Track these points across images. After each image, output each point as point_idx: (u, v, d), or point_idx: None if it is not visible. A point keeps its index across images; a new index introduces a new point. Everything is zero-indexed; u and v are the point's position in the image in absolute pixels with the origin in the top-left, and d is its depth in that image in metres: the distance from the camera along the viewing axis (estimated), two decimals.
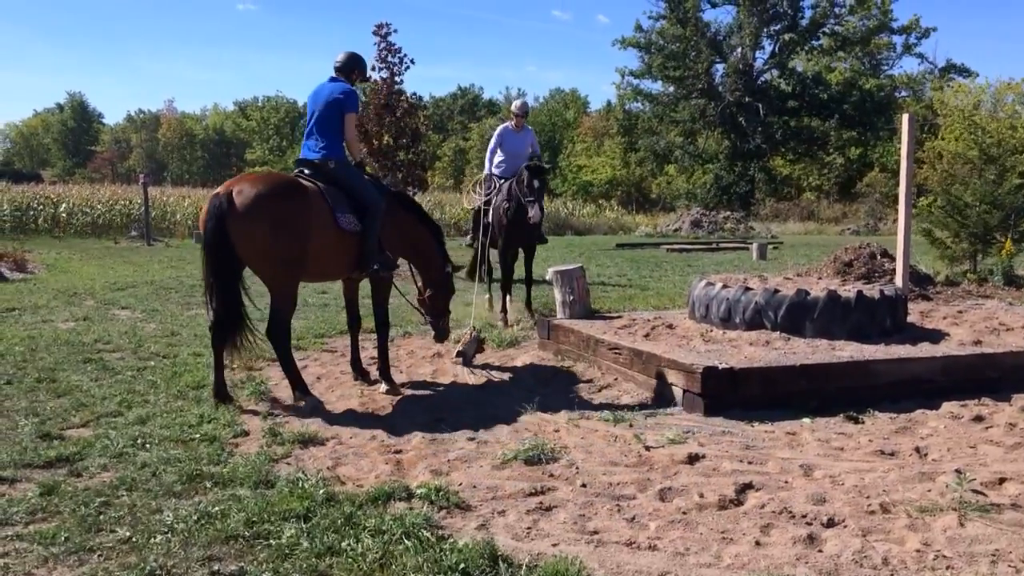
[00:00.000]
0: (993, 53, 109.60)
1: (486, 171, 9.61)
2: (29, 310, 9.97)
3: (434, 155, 57.22)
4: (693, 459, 4.47)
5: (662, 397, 5.78)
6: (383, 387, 6.16)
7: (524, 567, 3.18)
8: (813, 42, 48.92)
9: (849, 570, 3.17)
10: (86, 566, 3.20)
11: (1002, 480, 4.08)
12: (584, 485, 4.10)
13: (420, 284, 6.86)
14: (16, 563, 3.21)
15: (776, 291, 6.62)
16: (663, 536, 3.50)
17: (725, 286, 6.91)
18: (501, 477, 4.23)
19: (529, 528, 3.59)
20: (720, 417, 5.29)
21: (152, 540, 3.40)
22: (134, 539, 3.42)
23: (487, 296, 9.28)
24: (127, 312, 10.10)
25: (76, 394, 5.88)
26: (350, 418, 5.44)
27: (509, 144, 9.53)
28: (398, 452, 4.69)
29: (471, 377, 6.70)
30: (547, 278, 8.68)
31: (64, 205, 27.65)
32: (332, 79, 6.20)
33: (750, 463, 4.44)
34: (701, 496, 3.92)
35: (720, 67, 48.54)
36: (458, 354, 7.07)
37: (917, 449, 4.64)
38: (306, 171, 6.04)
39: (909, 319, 7.21)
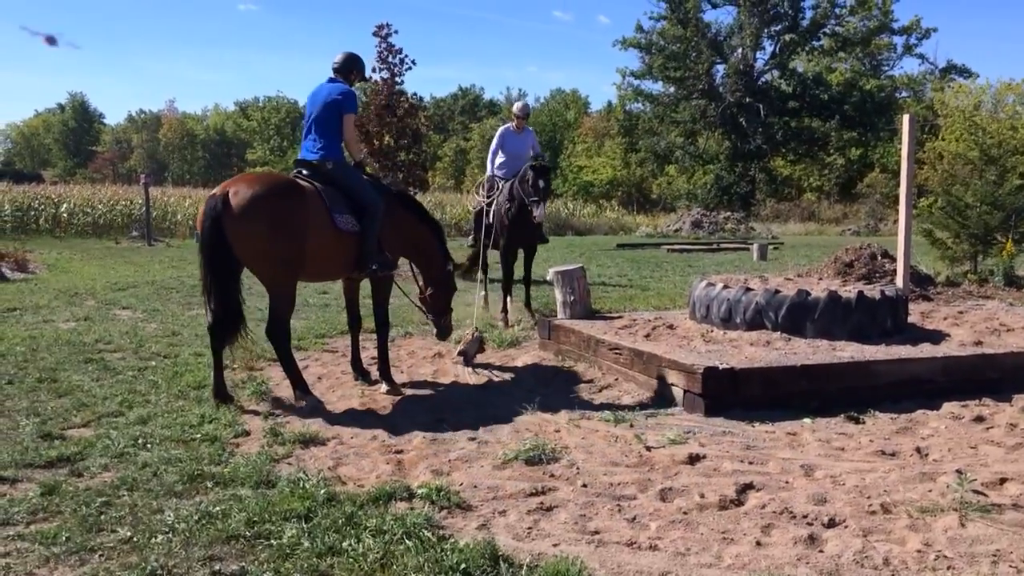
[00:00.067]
0: (993, 54, 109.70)
1: (488, 172, 9.62)
2: (30, 310, 9.97)
3: (435, 155, 57.40)
4: (694, 459, 4.47)
5: (663, 397, 5.78)
6: (384, 387, 6.17)
7: (525, 567, 3.18)
8: (814, 43, 48.94)
9: (850, 570, 3.17)
10: (87, 566, 3.20)
11: (1003, 480, 4.08)
12: (585, 485, 4.10)
13: (421, 283, 6.86)
14: (17, 563, 3.21)
15: (777, 291, 6.62)
16: (664, 536, 3.50)
17: (726, 286, 6.91)
18: (502, 477, 4.23)
19: (530, 528, 3.59)
20: (721, 417, 5.29)
21: (153, 540, 3.40)
22: (135, 539, 3.42)
23: (483, 295, 9.30)
24: (128, 312, 10.11)
25: (77, 394, 5.88)
26: (351, 418, 5.44)
27: (510, 145, 9.55)
28: (399, 452, 4.69)
29: (472, 377, 6.71)
30: (548, 278, 8.69)
31: (65, 205, 27.64)
32: (331, 80, 6.21)
33: (751, 463, 4.44)
34: (702, 496, 3.92)
35: (721, 68, 48.59)
36: (459, 353, 7.08)
37: (918, 449, 4.64)
38: (304, 172, 6.05)
39: (910, 320, 7.21)
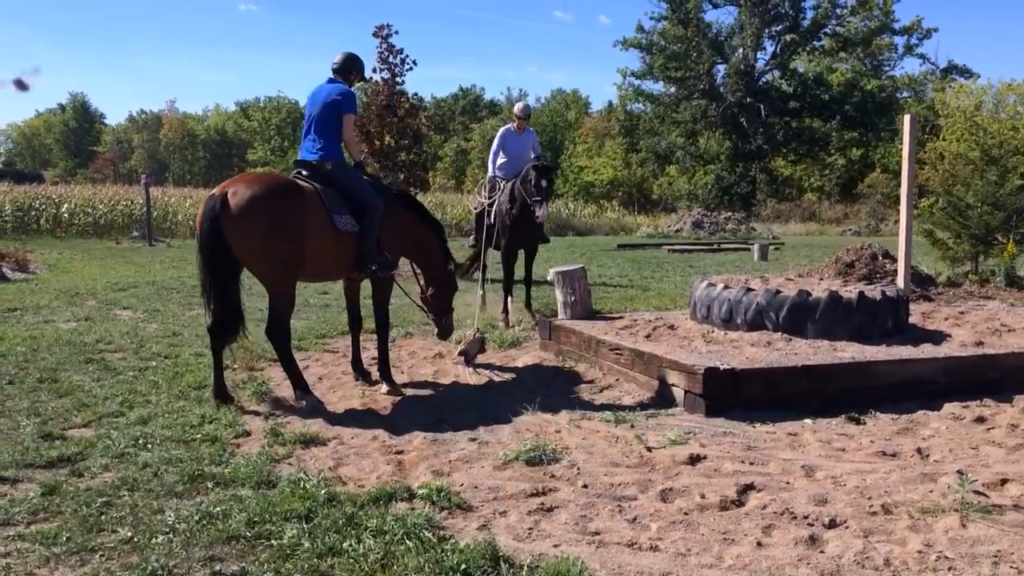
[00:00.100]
0: (995, 54, 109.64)
1: (489, 173, 9.63)
2: (31, 310, 9.97)
3: (435, 156, 57.39)
4: (694, 460, 4.47)
5: (663, 398, 5.78)
6: (384, 388, 6.17)
7: (525, 568, 3.18)
8: (814, 43, 48.91)
9: (851, 571, 3.17)
10: (88, 566, 3.20)
11: (1004, 481, 4.08)
12: (585, 486, 4.10)
13: (423, 282, 6.87)
14: (18, 563, 3.21)
15: (778, 292, 6.62)
16: (664, 537, 3.50)
17: (727, 287, 6.91)
18: (502, 478, 4.23)
19: (530, 529, 3.59)
20: (721, 418, 5.29)
21: (154, 540, 3.40)
22: (136, 539, 3.42)
23: (480, 294, 9.32)
24: (129, 312, 10.11)
25: (78, 394, 5.89)
26: (352, 418, 5.44)
27: (511, 146, 9.57)
28: (400, 452, 4.69)
29: (472, 377, 6.71)
30: (548, 279, 8.69)
31: (66, 205, 27.63)
32: (330, 80, 6.22)
33: (751, 464, 4.44)
34: (702, 497, 3.92)
35: (721, 68, 48.56)
36: (460, 353, 7.09)
37: (919, 450, 4.64)
38: (304, 172, 6.06)
39: (911, 320, 7.21)
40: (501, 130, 9.84)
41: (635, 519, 3.69)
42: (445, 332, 7.01)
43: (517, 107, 9.80)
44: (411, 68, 16.58)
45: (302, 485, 3.99)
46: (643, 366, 6.11)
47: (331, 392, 6.21)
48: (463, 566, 3.14)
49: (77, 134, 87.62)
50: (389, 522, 3.54)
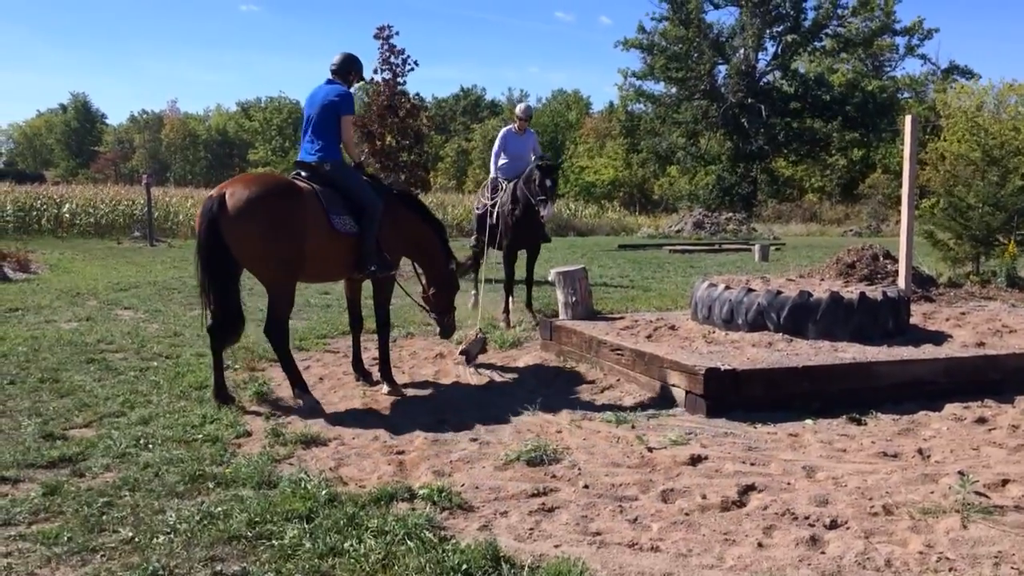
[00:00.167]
0: (996, 55, 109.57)
1: (492, 174, 9.63)
2: (32, 310, 9.98)
3: (437, 156, 57.37)
4: (695, 460, 4.47)
5: (664, 398, 5.78)
6: (385, 388, 6.17)
7: (526, 568, 3.18)
8: (816, 43, 48.90)
9: (852, 572, 3.17)
10: (89, 566, 3.20)
11: (1005, 482, 4.07)
12: (586, 486, 4.10)
13: (424, 282, 6.88)
14: (19, 563, 3.22)
15: (779, 292, 6.62)
16: (665, 537, 3.50)
17: (728, 287, 6.90)
18: (503, 478, 4.23)
19: (531, 529, 3.59)
20: (722, 418, 5.29)
21: (155, 540, 3.40)
22: (137, 539, 3.42)
23: (473, 294, 9.34)
24: (130, 312, 10.11)
25: (79, 394, 5.89)
26: (353, 419, 5.44)
27: (512, 147, 9.58)
28: (400, 453, 4.69)
29: (473, 377, 6.71)
30: (549, 279, 8.69)
31: (67, 205, 27.64)
32: (328, 81, 6.23)
33: (752, 464, 4.43)
34: (703, 497, 3.92)
35: (723, 68, 48.57)
36: (461, 352, 7.10)
37: (920, 451, 4.64)
38: (303, 173, 6.07)
39: (912, 321, 7.21)
40: (502, 131, 9.85)
41: (636, 519, 3.69)
42: (447, 331, 7.02)
43: (519, 108, 9.81)
44: (412, 69, 16.58)
45: (303, 485, 3.99)
46: (644, 367, 6.11)
47: (332, 392, 6.21)
48: (464, 566, 3.14)
49: (78, 134, 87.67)
50: (390, 522, 3.54)
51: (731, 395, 5.41)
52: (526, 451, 4.51)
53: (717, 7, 48.24)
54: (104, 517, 3.64)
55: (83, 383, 6.22)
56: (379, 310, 6.40)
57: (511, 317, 9.03)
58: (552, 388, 6.34)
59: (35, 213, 26.94)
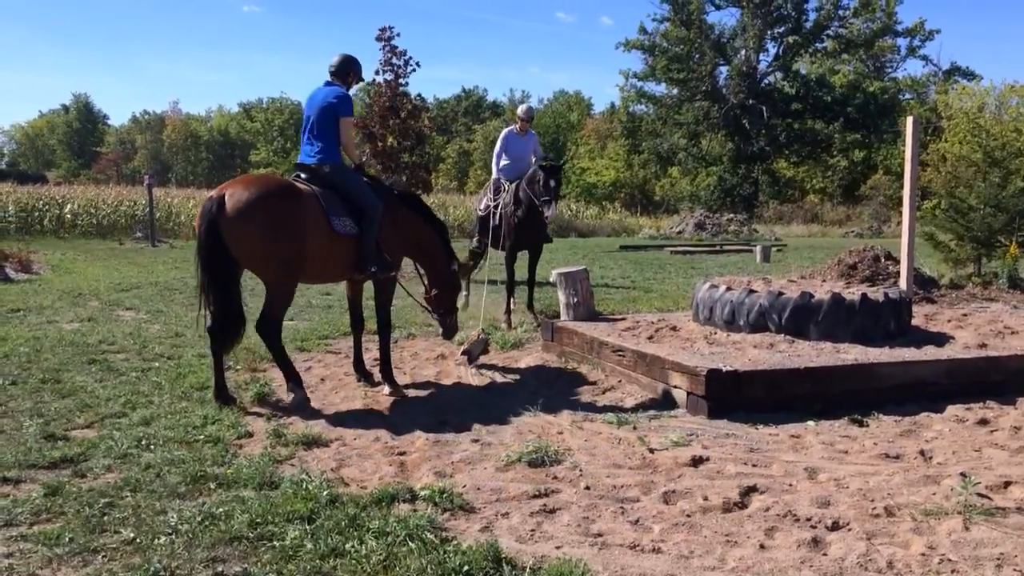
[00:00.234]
0: (997, 56, 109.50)
1: (494, 175, 9.64)
2: (34, 311, 9.98)
3: (438, 157, 57.36)
4: (697, 462, 4.47)
5: (666, 399, 5.78)
6: (386, 389, 6.17)
7: (528, 569, 3.18)
8: (817, 44, 48.88)
9: (853, 573, 3.17)
10: (90, 567, 3.20)
11: (1007, 484, 4.07)
12: (588, 487, 4.10)
13: (426, 282, 6.88)
14: (20, 563, 3.22)
15: (780, 294, 6.61)
16: (667, 539, 3.49)
17: (729, 288, 6.90)
18: (505, 479, 4.23)
19: (533, 530, 3.58)
20: (724, 420, 5.29)
21: (156, 541, 3.40)
22: (138, 540, 3.42)
23: (465, 294, 9.35)
24: (131, 313, 10.12)
25: (80, 395, 5.89)
26: (354, 419, 5.44)
27: (513, 147, 9.58)
28: (402, 454, 4.69)
29: (474, 378, 6.71)
30: (551, 280, 8.69)
31: (69, 206, 27.65)
32: (327, 83, 6.24)
33: (754, 466, 4.43)
34: (705, 499, 3.92)
35: (724, 69, 48.56)
36: (463, 352, 7.10)
37: (922, 452, 4.64)
38: (303, 175, 6.09)
39: (913, 322, 7.20)
40: (504, 132, 9.86)
41: (637, 521, 3.69)
42: (449, 332, 7.03)
43: (520, 109, 9.82)
44: (414, 70, 16.60)
45: (304, 486, 3.99)
46: (645, 368, 6.11)
47: (333, 393, 6.21)
48: (465, 568, 3.13)
49: (80, 135, 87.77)
50: (391, 523, 3.53)
51: (733, 396, 5.41)
52: (527, 452, 4.51)
53: (718, 8, 48.26)
54: (105, 518, 3.64)
55: (85, 384, 6.22)
56: (380, 311, 6.40)
57: (512, 318, 9.03)
58: (553, 389, 6.34)
59: (37, 214, 26.96)
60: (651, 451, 4.67)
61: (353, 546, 3.33)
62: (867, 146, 47.31)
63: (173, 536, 3.45)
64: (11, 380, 6.28)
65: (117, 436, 4.84)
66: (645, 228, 37.36)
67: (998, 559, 3.26)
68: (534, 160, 9.38)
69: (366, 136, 16.17)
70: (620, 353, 6.49)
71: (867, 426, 5.23)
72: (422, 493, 3.94)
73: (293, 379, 5.75)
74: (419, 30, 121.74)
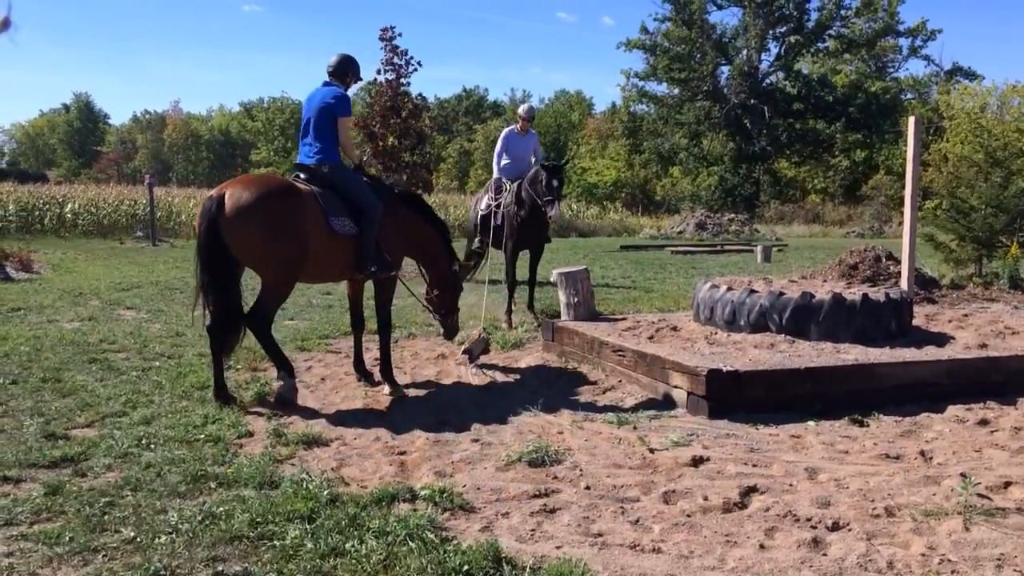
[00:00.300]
0: (999, 56, 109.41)
1: (495, 174, 9.64)
2: (34, 310, 9.99)
3: (439, 157, 57.39)
4: (697, 462, 4.47)
5: (666, 399, 5.78)
6: (387, 388, 6.17)
7: (528, 569, 3.18)
8: (819, 44, 48.84)
9: (854, 574, 3.17)
10: (90, 566, 3.21)
11: (1008, 484, 4.07)
12: (588, 487, 4.10)
13: (427, 283, 6.89)
14: (21, 563, 3.22)
15: (781, 294, 6.61)
16: (667, 539, 3.49)
17: (730, 288, 6.90)
18: (505, 479, 4.23)
19: (533, 530, 3.58)
20: (724, 420, 5.29)
21: (156, 540, 3.41)
22: (138, 539, 3.42)
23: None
24: (132, 312, 10.12)
25: (81, 394, 5.90)
26: (354, 419, 5.44)
27: (514, 147, 9.60)
28: (402, 453, 4.69)
29: (475, 378, 6.71)
30: (551, 280, 8.69)
31: (70, 205, 27.65)
32: (326, 83, 6.24)
33: (754, 466, 4.43)
34: (705, 499, 3.92)
35: (725, 69, 48.50)
36: (464, 352, 7.10)
37: (922, 453, 4.63)
38: (302, 175, 6.09)
39: (914, 322, 7.20)
40: (504, 131, 9.86)
41: (638, 521, 3.69)
42: (451, 332, 7.03)
43: (522, 109, 9.83)
44: (416, 70, 16.61)
45: (305, 486, 4.00)
46: (646, 368, 6.11)
47: (334, 393, 6.22)
48: (465, 567, 3.14)
49: (81, 134, 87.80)
50: (392, 523, 3.54)
51: (733, 396, 5.41)
52: (528, 452, 4.51)
53: (720, 8, 48.21)
54: (106, 517, 3.64)
55: (85, 383, 6.23)
56: (380, 311, 6.40)
57: (513, 318, 9.03)
58: (554, 389, 6.34)
59: (37, 213, 26.96)
60: (651, 451, 4.67)
61: (353, 545, 3.33)
62: (868, 146, 47.28)
63: (173, 535, 3.45)
64: (12, 379, 6.28)
65: (118, 435, 4.84)
66: (646, 228, 37.34)
67: (998, 560, 3.26)
68: (534, 160, 9.38)
69: (367, 136, 16.18)
70: (620, 353, 6.49)
71: (867, 426, 5.23)
72: (422, 493, 3.94)
73: (284, 368, 5.78)
74: (420, 30, 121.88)
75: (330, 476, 4.23)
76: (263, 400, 5.82)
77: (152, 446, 4.69)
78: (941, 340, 6.74)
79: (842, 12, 47.16)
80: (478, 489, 4.06)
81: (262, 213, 5.44)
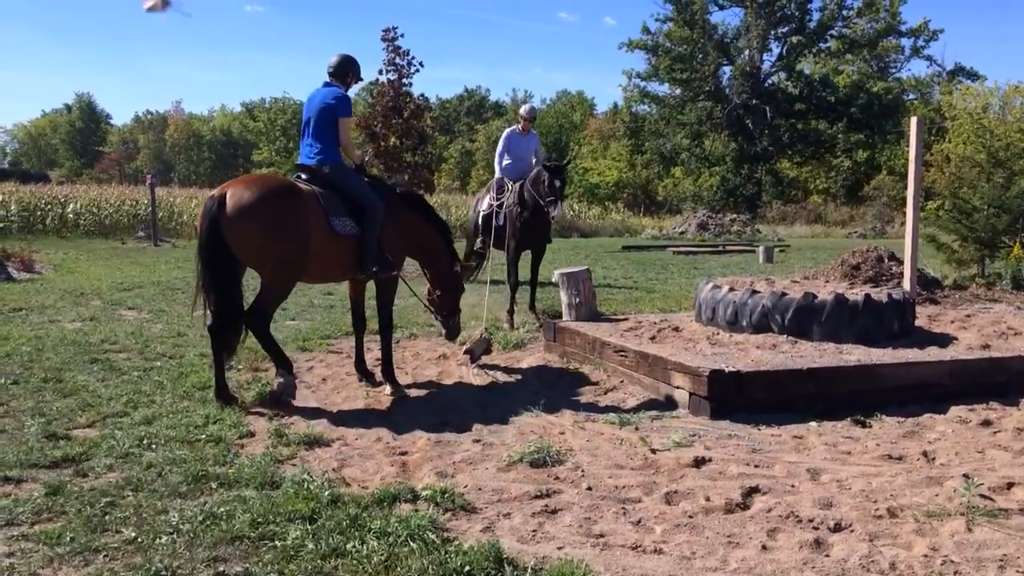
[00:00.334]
0: (1001, 56, 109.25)
1: (497, 174, 9.64)
2: (36, 310, 9.99)
3: (440, 157, 57.40)
4: (699, 462, 4.46)
5: (668, 400, 5.77)
6: (388, 389, 6.17)
7: (529, 570, 3.17)
8: (821, 44, 48.87)
9: (856, 575, 3.16)
10: (91, 566, 3.20)
11: (1010, 485, 4.06)
12: (590, 488, 4.09)
13: (429, 283, 6.89)
14: (22, 563, 3.22)
15: (783, 294, 6.60)
16: (669, 540, 3.48)
17: (732, 289, 6.89)
18: (506, 479, 4.23)
19: (534, 531, 3.58)
20: (726, 420, 5.28)
21: (158, 541, 3.40)
22: (140, 539, 3.42)
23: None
24: (134, 312, 10.12)
25: (82, 394, 5.90)
26: (355, 419, 5.44)
27: (515, 147, 9.60)
28: (403, 454, 4.69)
29: (476, 378, 6.70)
30: (553, 280, 8.68)
31: (71, 205, 27.67)
32: (326, 84, 6.24)
33: (756, 467, 4.42)
34: (707, 500, 3.91)
35: (727, 69, 48.53)
36: (466, 352, 7.09)
37: (925, 453, 4.62)
38: (303, 176, 6.09)
39: (917, 323, 7.19)
40: (506, 131, 9.87)
41: (639, 522, 3.68)
42: (452, 333, 7.03)
43: (523, 109, 9.83)
44: (418, 70, 16.62)
45: (306, 486, 3.99)
46: (648, 368, 6.10)
47: (335, 393, 6.21)
48: (467, 568, 3.13)
49: (83, 134, 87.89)
50: (393, 524, 3.53)
51: (735, 397, 5.40)
52: (529, 452, 4.50)
53: (722, 8, 48.24)
54: (107, 517, 3.64)
55: (86, 383, 6.22)
56: (381, 311, 6.40)
57: (515, 318, 9.02)
58: (555, 389, 6.33)
59: (39, 213, 26.98)
60: (653, 452, 4.66)
61: (354, 546, 3.32)
62: (871, 146, 47.25)
63: (175, 535, 3.45)
64: (13, 379, 6.28)
65: (119, 435, 4.84)
66: (648, 228, 37.32)
67: (1001, 561, 3.25)
68: (534, 161, 9.38)
69: (369, 136, 16.19)
70: (622, 353, 6.48)
71: (870, 427, 5.22)
72: (423, 493, 3.94)
73: (283, 365, 5.78)
74: (421, 30, 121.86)
75: (331, 476, 4.22)
76: (264, 400, 5.82)
77: (153, 446, 4.68)
78: (944, 341, 6.72)
79: (844, 12, 47.20)
80: (479, 490, 4.06)
81: (263, 213, 5.44)
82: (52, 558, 3.25)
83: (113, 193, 31.68)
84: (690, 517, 3.72)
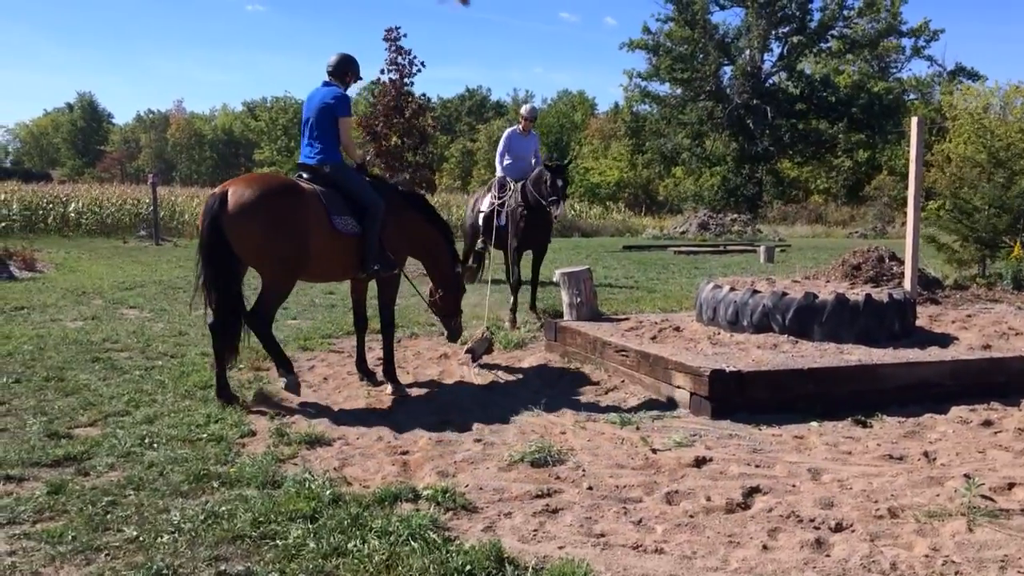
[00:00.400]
0: (1002, 56, 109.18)
1: (499, 174, 9.64)
2: (38, 309, 10.00)
3: (442, 156, 57.39)
4: (700, 462, 4.46)
5: (669, 400, 5.77)
6: (389, 388, 6.17)
7: (530, 569, 3.17)
8: (822, 44, 48.81)
9: (857, 575, 3.16)
10: (93, 565, 3.21)
11: (1011, 485, 4.06)
12: (591, 487, 4.09)
13: (431, 284, 6.89)
14: (23, 562, 3.22)
15: (784, 294, 6.60)
16: (670, 539, 3.49)
17: (733, 289, 6.89)
18: (507, 479, 4.23)
19: (535, 530, 3.58)
20: (727, 420, 5.28)
21: (159, 539, 3.41)
22: (141, 538, 3.42)
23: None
24: (135, 311, 10.13)
25: (84, 393, 5.90)
26: (357, 419, 5.44)
27: (516, 147, 9.61)
28: (404, 453, 4.69)
29: (477, 378, 6.70)
30: (554, 280, 8.69)
31: (73, 204, 27.67)
32: (325, 83, 6.24)
33: (757, 467, 4.42)
34: (708, 499, 3.91)
35: (728, 69, 48.48)
36: (467, 351, 7.10)
37: (926, 454, 4.62)
38: (304, 175, 6.10)
39: (918, 323, 7.19)
40: (507, 131, 9.88)
41: (640, 521, 3.68)
42: (454, 335, 7.03)
43: (524, 109, 9.84)
44: (420, 70, 16.63)
45: (307, 485, 4.00)
46: (649, 368, 6.10)
47: (336, 392, 6.22)
48: (468, 567, 3.13)
49: (85, 133, 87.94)
50: (394, 523, 3.53)
51: (736, 397, 5.40)
52: (530, 452, 4.51)
53: (723, 8, 48.18)
54: (108, 516, 3.65)
55: (88, 382, 6.23)
56: (383, 310, 6.40)
57: (516, 318, 9.02)
58: (556, 389, 6.34)
59: (41, 212, 26.99)
60: (654, 451, 4.66)
61: (356, 545, 3.33)
62: (871, 146, 47.22)
63: (176, 534, 3.45)
64: (15, 378, 6.29)
65: (120, 434, 4.84)
66: (649, 228, 37.31)
67: (1002, 561, 3.25)
68: (534, 161, 9.39)
69: (371, 135, 16.20)
70: (623, 353, 6.48)
71: (871, 427, 5.22)
72: (425, 493, 3.94)
73: (284, 365, 5.78)
74: (422, 30, 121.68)
75: (332, 476, 4.23)
76: (266, 399, 5.82)
77: (155, 445, 4.69)
78: (944, 341, 6.72)
79: (845, 12, 47.14)
80: (480, 489, 4.06)
81: (264, 211, 5.45)
82: (54, 557, 3.25)
83: (115, 192, 31.70)
84: (691, 517, 3.73)
